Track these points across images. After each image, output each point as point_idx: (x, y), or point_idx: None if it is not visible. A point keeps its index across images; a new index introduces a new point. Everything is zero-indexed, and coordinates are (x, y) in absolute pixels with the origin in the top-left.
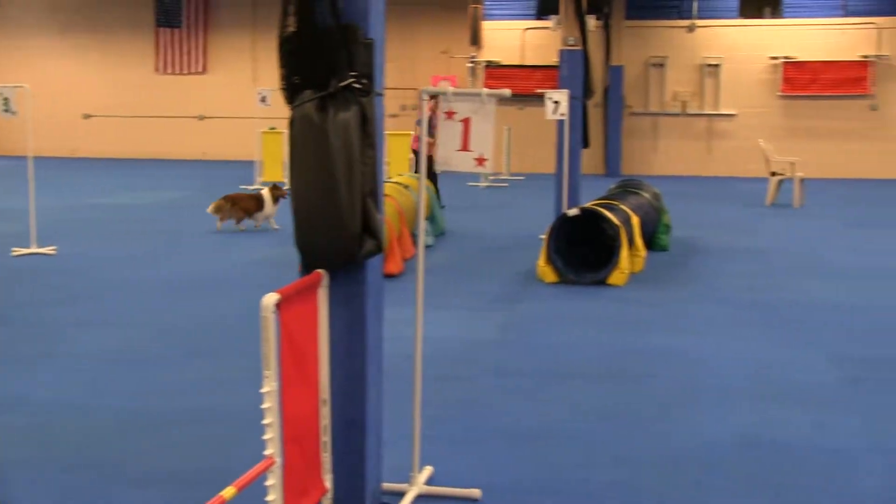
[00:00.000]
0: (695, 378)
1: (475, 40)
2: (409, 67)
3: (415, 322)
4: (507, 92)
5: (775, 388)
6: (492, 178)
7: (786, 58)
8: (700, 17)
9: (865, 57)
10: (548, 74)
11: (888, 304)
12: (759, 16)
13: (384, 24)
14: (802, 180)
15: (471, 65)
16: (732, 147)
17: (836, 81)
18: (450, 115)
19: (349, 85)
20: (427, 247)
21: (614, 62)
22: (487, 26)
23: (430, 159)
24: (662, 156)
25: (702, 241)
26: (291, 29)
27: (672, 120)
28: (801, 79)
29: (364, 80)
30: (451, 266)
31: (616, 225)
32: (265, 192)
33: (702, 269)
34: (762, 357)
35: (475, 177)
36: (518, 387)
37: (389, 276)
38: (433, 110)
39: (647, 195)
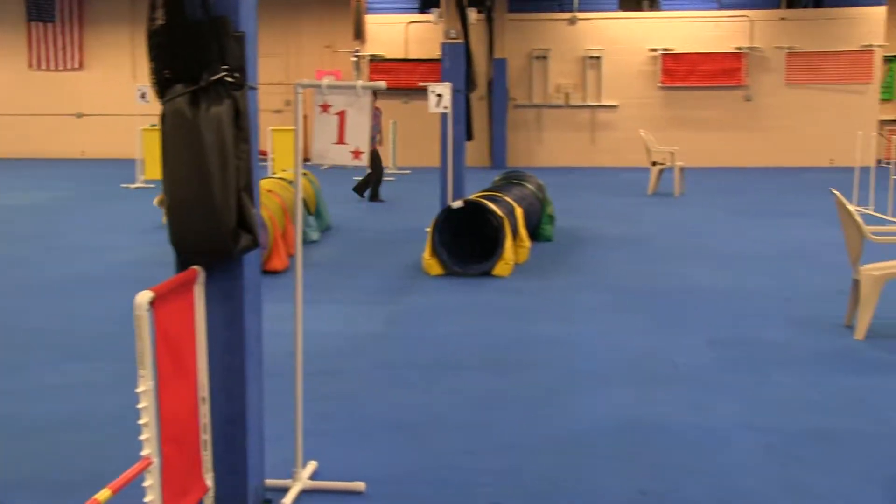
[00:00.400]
0: (578, 364)
1: (359, 34)
2: (293, 62)
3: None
4: (382, 84)
5: (655, 372)
6: None
7: (664, 50)
8: (581, 10)
9: (739, 49)
10: (431, 68)
11: (763, 288)
12: (638, 8)
13: (256, 17)
14: (682, 169)
15: (355, 59)
16: (615, 138)
17: (712, 73)
18: (325, 108)
19: (221, 79)
20: (312, 242)
21: (497, 55)
22: (371, 20)
23: (375, 153)
24: (547, 147)
25: (586, 230)
26: (160, 22)
27: (556, 112)
28: (679, 70)
29: (236, 74)
30: (336, 261)
31: (500, 216)
32: None
33: (585, 258)
34: (643, 342)
35: (362, 171)
36: (404, 379)
37: (274, 272)
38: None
39: (530, 186)
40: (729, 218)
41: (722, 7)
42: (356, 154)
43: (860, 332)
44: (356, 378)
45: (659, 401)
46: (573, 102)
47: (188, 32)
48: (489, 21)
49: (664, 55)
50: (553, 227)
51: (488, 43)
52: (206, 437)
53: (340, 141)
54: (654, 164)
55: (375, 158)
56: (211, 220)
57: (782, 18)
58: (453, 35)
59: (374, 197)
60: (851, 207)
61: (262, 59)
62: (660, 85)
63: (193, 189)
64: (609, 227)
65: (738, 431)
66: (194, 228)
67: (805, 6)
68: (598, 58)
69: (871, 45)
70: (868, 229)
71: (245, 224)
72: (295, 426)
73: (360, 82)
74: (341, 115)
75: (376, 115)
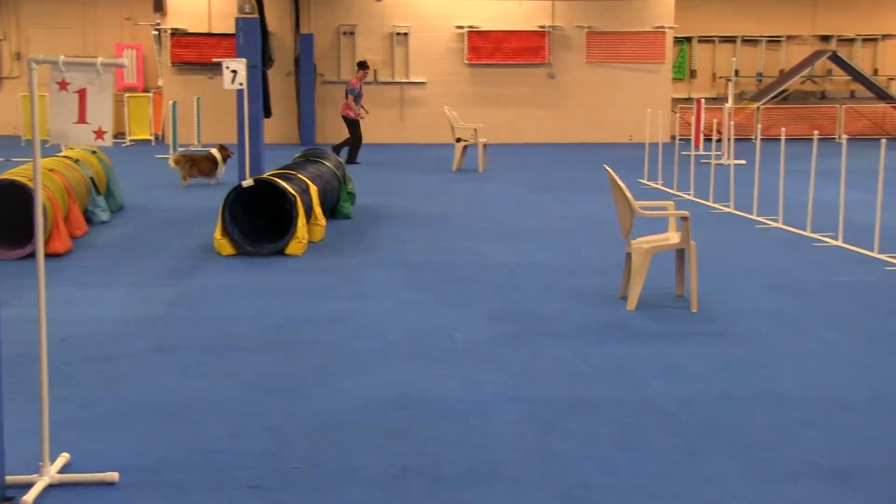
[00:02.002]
0: (358, 343)
1: (159, 7)
2: (90, 35)
3: (76, 302)
4: (123, 61)
5: (433, 348)
6: (181, 150)
7: (470, 27)
8: None
9: (542, 27)
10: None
11: (549, 262)
12: None
13: None
14: (486, 146)
15: (155, 32)
16: (424, 114)
17: (517, 50)
18: (63, 86)
19: None
20: (102, 222)
21: (304, 30)
22: None
23: (355, 123)
24: None
25: (388, 207)
26: None
27: (365, 88)
28: (485, 48)
29: None
30: (125, 242)
31: (292, 195)
32: (215, 152)
33: (383, 236)
34: (427, 318)
35: (164, 148)
36: (178, 362)
37: (55, 255)
38: (361, 79)
39: (329, 164)
40: (528, 194)
41: None
42: (99, 134)
43: (631, 303)
44: (129, 363)
45: (432, 377)
46: (382, 79)
47: None
48: None
49: (470, 32)
50: (352, 205)
51: (294, 18)
52: None
53: (81, 120)
54: (458, 140)
55: (356, 126)
56: None
57: None
58: (248, 10)
59: (352, 160)
60: (622, 183)
61: (54, 30)
62: (466, 62)
63: None
64: (411, 204)
65: (503, 404)
66: None
67: None
68: (405, 34)
69: (662, 27)
70: (637, 204)
71: None
72: (41, 417)
73: (100, 59)
74: (81, 93)
75: (360, 89)
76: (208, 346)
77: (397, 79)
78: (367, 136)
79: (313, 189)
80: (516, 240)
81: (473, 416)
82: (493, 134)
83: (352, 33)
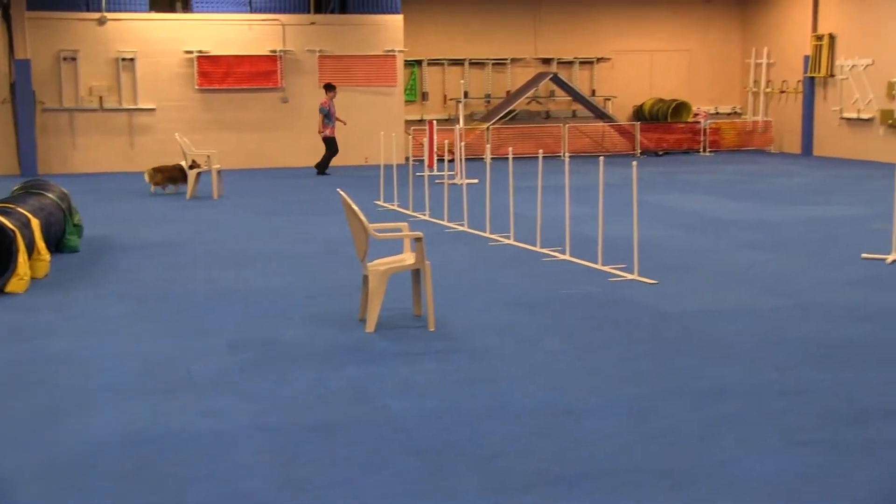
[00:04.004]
0: (89, 381)
1: None
2: None
3: None
4: None
5: (170, 381)
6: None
7: (200, 52)
8: (110, 10)
9: (274, 52)
10: None
11: (288, 287)
12: (171, 10)
13: None
14: (220, 172)
15: None
16: (154, 141)
17: (249, 75)
18: None
19: None
20: None
21: (20, 55)
22: None
23: (329, 139)
24: (82, 153)
25: (119, 238)
26: None
27: (90, 115)
28: (216, 73)
29: None
30: None
31: (11, 230)
32: (184, 165)
33: (114, 268)
34: (162, 350)
35: None
36: None
37: None
38: (331, 99)
39: (52, 196)
40: (265, 218)
41: (254, 10)
42: None
43: (370, 325)
44: None
45: (170, 410)
46: (108, 105)
47: None
48: (6, 19)
49: (200, 57)
50: (80, 238)
51: (7, 42)
52: None
53: None
54: (191, 167)
55: (332, 142)
56: None
57: (312, 23)
58: None
59: (322, 170)
60: (355, 206)
61: None
62: (197, 87)
63: None
64: (144, 233)
65: (247, 433)
66: None
67: (332, 11)
68: (132, 59)
69: (393, 50)
70: (372, 227)
71: None
72: None
73: None
74: None
75: (331, 106)
76: None
77: (125, 105)
78: (96, 165)
79: (35, 223)
80: (254, 266)
81: (215, 448)
82: (228, 159)
83: (74, 59)
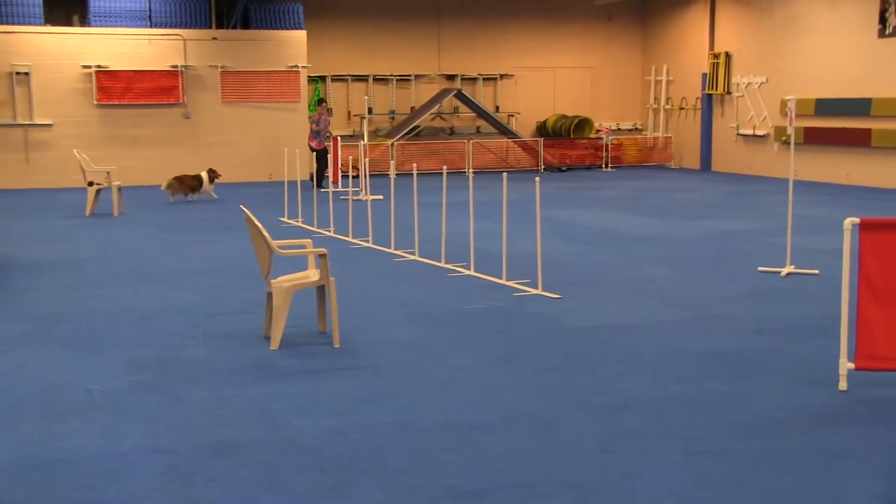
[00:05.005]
0: None
1: None
2: None
3: None
4: None
5: (66, 403)
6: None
7: (98, 67)
8: (2, 23)
9: (175, 67)
10: None
11: (190, 305)
12: (68, 23)
13: None
14: (120, 188)
15: None
16: (51, 157)
17: (150, 90)
18: None
19: None
20: None
21: None
22: None
23: (323, 152)
24: None
25: (15, 257)
26: None
27: None
28: (115, 88)
29: None
30: None
31: None
32: (203, 174)
33: (8, 288)
34: (58, 372)
35: None
36: None
37: None
38: (321, 114)
39: None
40: (166, 236)
41: (154, 25)
42: None
43: (275, 343)
44: None
45: (66, 433)
46: (3, 121)
47: None
48: None
49: (99, 72)
50: None
51: None
52: None
53: None
54: (90, 184)
55: (324, 154)
56: None
57: (214, 38)
58: None
59: (319, 182)
60: (258, 223)
61: None
62: (96, 103)
63: None
64: (40, 251)
65: (143, 455)
66: None
67: (234, 27)
68: (27, 73)
69: (296, 66)
70: (275, 243)
71: None
72: None
73: None
74: None
75: (325, 118)
76: None
77: (20, 121)
78: None
79: None
80: (155, 284)
81: (112, 471)
82: (128, 176)
83: None
